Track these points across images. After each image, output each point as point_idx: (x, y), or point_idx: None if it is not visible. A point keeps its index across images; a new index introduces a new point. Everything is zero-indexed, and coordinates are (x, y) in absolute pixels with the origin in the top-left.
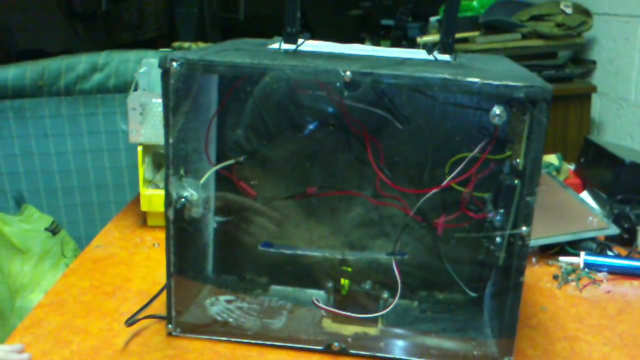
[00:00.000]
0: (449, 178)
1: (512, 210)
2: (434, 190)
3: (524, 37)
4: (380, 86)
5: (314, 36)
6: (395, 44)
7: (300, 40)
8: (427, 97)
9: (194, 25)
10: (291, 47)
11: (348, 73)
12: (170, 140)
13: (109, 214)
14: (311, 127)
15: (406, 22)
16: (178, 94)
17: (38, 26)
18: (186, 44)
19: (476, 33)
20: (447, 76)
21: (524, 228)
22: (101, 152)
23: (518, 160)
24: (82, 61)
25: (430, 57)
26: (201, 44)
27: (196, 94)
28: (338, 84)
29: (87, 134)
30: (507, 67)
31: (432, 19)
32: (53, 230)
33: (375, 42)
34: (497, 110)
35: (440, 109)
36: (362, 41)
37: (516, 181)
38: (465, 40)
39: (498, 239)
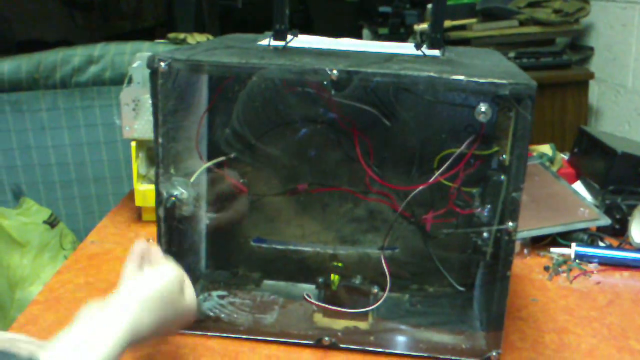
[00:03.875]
0: (436, 174)
1: (498, 205)
2: (422, 187)
3: (521, 23)
4: (367, 84)
5: (314, 23)
6: (393, 31)
7: (289, 37)
8: (414, 94)
9: (192, 13)
10: (280, 43)
11: (335, 72)
12: (160, 140)
13: (107, 206)
14: (302, 131)
15: (404, 9)
16: (167, 93)
17: (36, 16)
18: (182, 35)
19: (473, 20)
20: (432, 74)
21: (510, 223)
22: (98, 144)
23: (504, 156)
24: (77, 54)
25: (419, 52)
26: (197, 35)
27: (186, 92)
28: (325, 82)
29: (84, 127)
30: (495, 62)
31: (430, 5)
32: (51, 223)
33: (373, 30)
34: (482, 107)
35: (428, 105)
36: (360, 29)
37: (502, 177)
38: (462, 27)
39: (485, 234)
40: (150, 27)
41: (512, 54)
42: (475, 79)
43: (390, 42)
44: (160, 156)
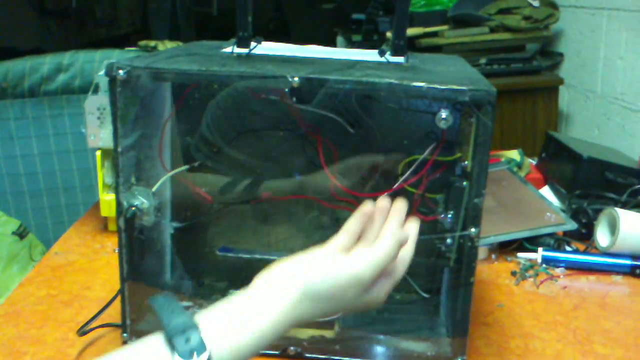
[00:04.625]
0: (399, 180)
1: (461, 211)
2: (385, 194)
3: (492, 30)
4: (328, 91)
5: (290, 30)
6: (367, 38)
7: (253, 44)
8: (377, 101)
9: (167, 20)
10: (244, 51)
11: (296, 79)
12: (119, 149)
13: (78, 216)
14: (267, 138)
15: (377, 16)
16: (127, 101)
17: (9, 24)
18: (152, 43)
19: (445, 27)
20: (393, 81)
21: (473, 229)
22: (68, 153)
23: (466, 162)
24: (46, 62)
25: (383, 59)
26: (168, 43)
27: (147, 100)
28: (287, 89)
29: (53, 136)
30: (458, 68)
31: None
32: (20, 234)
33: (347, 37)
34: (443, 114)
35: (392, 112)
36: (334, 35)
37: (465, 183)
38: (434, 34)
39: (448, 240)
40: (125, 35)
41: (483, 60)
42: (436, 86)
43: (359, 49)
44: (120, 165)
